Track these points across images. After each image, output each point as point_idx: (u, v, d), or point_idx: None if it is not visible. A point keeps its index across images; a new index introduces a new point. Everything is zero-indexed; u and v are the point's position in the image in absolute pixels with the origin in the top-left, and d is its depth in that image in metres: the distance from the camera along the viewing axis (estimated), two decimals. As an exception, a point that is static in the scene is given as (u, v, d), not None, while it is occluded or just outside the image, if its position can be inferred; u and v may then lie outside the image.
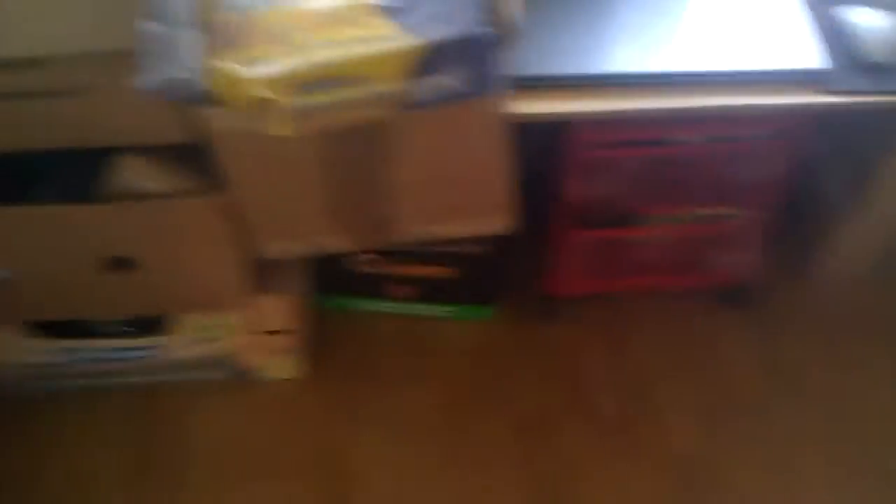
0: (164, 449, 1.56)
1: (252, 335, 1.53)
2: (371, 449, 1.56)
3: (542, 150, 1.44)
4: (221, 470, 1.53)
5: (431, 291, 1.69)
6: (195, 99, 1.02)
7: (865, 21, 1.21)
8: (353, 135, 1.12)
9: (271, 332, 1.54)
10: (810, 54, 1.20)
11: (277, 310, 1.49)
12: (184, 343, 1.53)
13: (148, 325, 1.51)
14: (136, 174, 1.24)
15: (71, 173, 1.28)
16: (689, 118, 1.27)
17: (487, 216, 1.35)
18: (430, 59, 1.03)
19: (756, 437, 1.58)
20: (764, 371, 1.67)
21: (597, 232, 1.59)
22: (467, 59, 1.04)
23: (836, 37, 1.23)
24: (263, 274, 1.43)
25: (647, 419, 1.61)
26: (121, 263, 1.33)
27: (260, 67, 1.01)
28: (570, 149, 1.39)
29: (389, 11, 1.06)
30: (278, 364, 1.62)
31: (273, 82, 1.00)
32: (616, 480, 1.53)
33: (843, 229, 1.68)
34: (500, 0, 1.07)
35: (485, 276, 1.67)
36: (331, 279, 1.70)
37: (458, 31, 1.03)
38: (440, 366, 1.68)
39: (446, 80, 1.06)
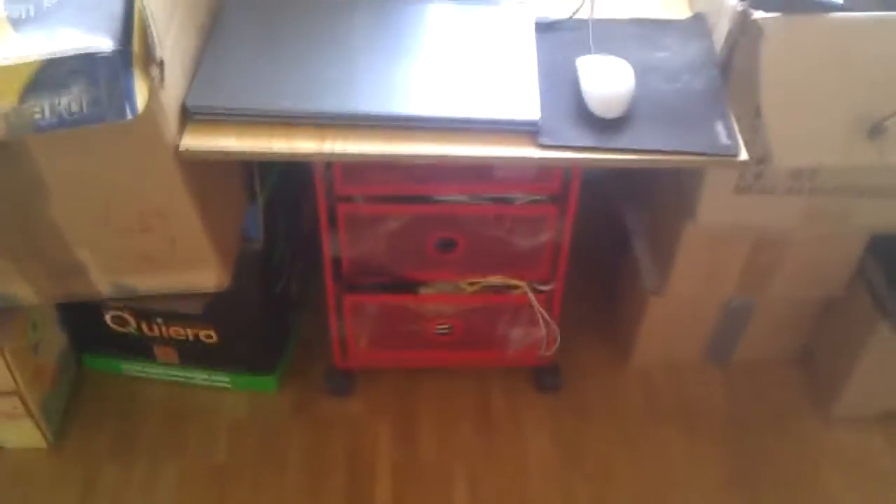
0: None
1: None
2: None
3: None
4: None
5: (194, 355, 1.53)
6: None
7: (592, 72, 1.09)
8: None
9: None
10: (527, 105, 1.07)
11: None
12: None
13: None
14: None
15: None
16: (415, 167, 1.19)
17: (193, 270, 1.20)
18: (48, 76, 0.90)
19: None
20: (563, 458, 1.51)
21: (370, 297, 1.45)
22: (92, 79, 0.91)
23: (563, 88, 1.11)
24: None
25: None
26: None
27: None
28: (322, 202, 1.29)
29: (15, 22, 0.94)
30: (16, 431, 1.45)
31: None
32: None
33: (650, 310, 1.52)
34: (145, 19, 0.95)
35: (250, 340, 1.51)
36: (91, 338, 1.54)
37: (83, 47, 0.90)
38: (204, 440, 1.52)
39: (67, 101, 0.92)
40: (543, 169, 1.26)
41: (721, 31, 1.15)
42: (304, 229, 1.59)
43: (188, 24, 1.09)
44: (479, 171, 1.28)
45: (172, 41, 1.03)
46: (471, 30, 1.20)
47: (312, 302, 1.64)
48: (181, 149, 1.04)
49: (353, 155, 1.05)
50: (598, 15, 1.24)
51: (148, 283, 1.21)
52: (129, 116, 0.96)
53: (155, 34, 0.96)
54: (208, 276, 1.21)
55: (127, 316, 1.46)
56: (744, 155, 1.05)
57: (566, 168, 1.26)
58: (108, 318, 1.46)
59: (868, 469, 1.50)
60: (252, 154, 1.05)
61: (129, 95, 0.96)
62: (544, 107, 1.08)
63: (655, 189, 1.52)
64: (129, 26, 0.95)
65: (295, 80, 1.10)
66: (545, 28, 1.22)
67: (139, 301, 1.34)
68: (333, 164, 1.24)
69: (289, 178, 1.48)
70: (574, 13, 1.23)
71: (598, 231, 1.65)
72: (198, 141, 1.04)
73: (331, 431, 1.54)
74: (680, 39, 1.21)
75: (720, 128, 1.08)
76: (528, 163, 1.07)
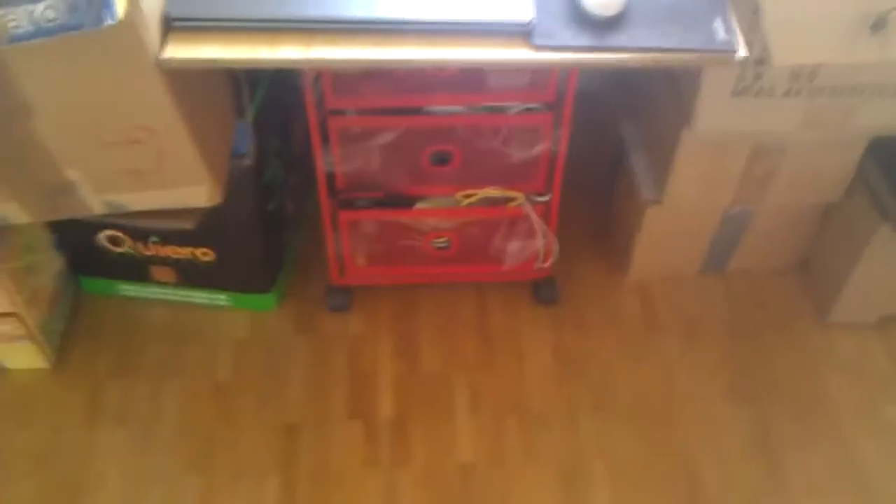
0: None
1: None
2: (110, 450, 1.40)
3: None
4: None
5: (193, 275, 1.53)
6: None
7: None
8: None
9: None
10: (520, 6, 1.04)
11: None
12: None
13: None
14: None
15: None
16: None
17: (185, 186, 1.19)
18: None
19: (550, 445, 1.42)
20: (563, 368, 1.52)
21: (365, 213, 1.44)
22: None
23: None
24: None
25: (429, 422, 1.45)
26: None
27: None
28: (314, 116, 1.27)
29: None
30: (17, 353, 1.46)
31: None
32: (379, 491, 1.36)
33: (647, 220, 1.51)
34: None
35: (247, 259, 1.50)
36: (87, 260, 1.54)
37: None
38: (204, 359, 1.53)
39: (43, 8, 0.90)
40: (538, 76, 1.23)
41: (719, -75, 1.11)
42: (297, 147, 1.57)
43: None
44: (472, 80, 1.26)
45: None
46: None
47: (308, 221, 1.63)
48: (164, 58, 1.01)
49: (340, 61, 1.03)
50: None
51: (140, 199, 1.20)
52: (109, 23, 0.93)
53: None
54: (199, 192, 1.20)
55: (121, 235, 1.45)
56: (742, 51, 1.02)
57: (561, 75, 1.23)
58: (101, 237, 1.44)
59: (867, 372, 1.51)
60: (236, 62, 1.03)
61: (107, 3, 0.93)
62: (538, 8, 1.05)
63: (652, 98, 1.49)
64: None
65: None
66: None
67: (133, 219, 1.32)
68: (322, 76, 1.21)
69: (279, 94, 1.45)
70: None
71: (594, 143, 1.63)
72: (180, 50, 1.02)
73: (332, 347, 1.54)
74: (677, -64, 1.17)
75: (718, 24, 1.05)
76: (521, 65, 1.04)
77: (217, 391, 1.48)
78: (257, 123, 1.35)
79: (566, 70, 1.20)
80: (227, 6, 1.05)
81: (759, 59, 1.14)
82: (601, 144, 1.67)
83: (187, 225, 1.33)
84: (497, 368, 1.51)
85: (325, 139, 1.31)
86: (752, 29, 1.10)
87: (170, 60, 1.01)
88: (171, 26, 1.03)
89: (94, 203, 1.19)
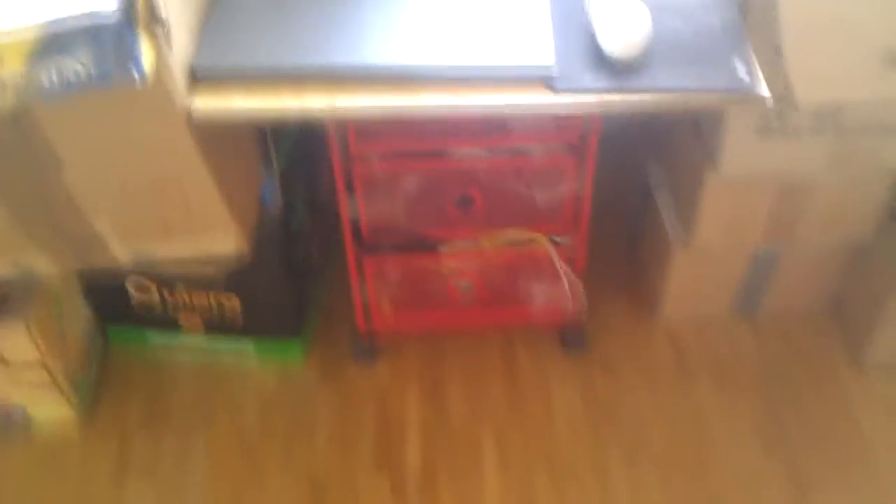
0: None
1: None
2: (139, 504, 1.38)
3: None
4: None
5: (220, 324, 1.53)
6: None
7: (606, 12, 1.06)
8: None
9: (25, 366, 1.39)
10: (540, 51, 1.05)
11: (10, 338, 1.34)
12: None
13: None
14: None
15: None
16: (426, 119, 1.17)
17: (212, 233, 1.20)
18: (53, 40, 0.89)
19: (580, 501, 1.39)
20: (593, 416, 1.49)
21: (391, 258, 1.44)
22: (97, 40, 0.91)
23: (577, 33, 1.08)
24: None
25: (456, 473, 1.43)
26: None
27: None
28: (339, 163, 1.28)
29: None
30: (44, 403, 1.46)
31: None
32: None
33: (675, 263, 1.50)
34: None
35: (273, 308, 1.51)
36: (115, 308, 1.55)
37: (86, 9, 0.90)
38: (233, 409, 1.52)
39: (73, 65, 0.92)
40: (561, 119, 1.23)
41: (738, -33, 1.11)
42: (323, 195, 1.59)
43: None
44: (495, 123, 1.26)
45: (178, 1, 1.02)
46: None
47: (334, 269, 1.64)
48: (192, 111, 1.02)
49: (364, 109, 1.04)
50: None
51: (166, 248, 1.21)
52: (136, 77, 0.94)
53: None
54: (227, 243, 1.21)
55: (148, 283, 1.46)
56: (764, 90, 1.01)
57: (584, 117, 1.23)
58: (129, 285, 1.45)
59: (905, 415, 1.47)
60: (262, 112, 1.04)
61: (134, 56, 0.95)
62: (558, 53, 1.06)
63: (676, 140, 1.49)
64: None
65: (303, 35, 1.09)
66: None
67: (161, 269, 1.33)
68: (347, 125, 1.23)
69: (305, 144, 1.47)
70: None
71: (619, 185, 1.62)
72: (208, 102, 1.03)
73: (358, 397, 1.53)
74: (695, -21, 1.17)
75: (738, 64, 1.05)
76: (543, 109, 1.04)
77: (244, 442, 1.47)
78: (284, 172, 1.37)
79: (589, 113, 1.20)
80: (252, 56, 1.06)
81: (782, 98, 1.14)
82: (627, 188, 1.67)
83: (214, 272, 1.33)
84: (525, 416, 1.49)
85: (350, 186, 1.32)
86: (774, 68, 1.10)
87: (197, 113, 1.02)
88: (198, 77, 1.04)
89: (122, 253, 1.20)
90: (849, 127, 1.22)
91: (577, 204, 1.35)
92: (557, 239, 1.43)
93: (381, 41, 1.08)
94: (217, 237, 1.21)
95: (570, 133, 1.26)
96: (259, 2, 1.14)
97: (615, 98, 1.02)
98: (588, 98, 1.02)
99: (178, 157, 1.08)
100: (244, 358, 1.59)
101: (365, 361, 1.58)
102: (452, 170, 1.32)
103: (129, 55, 0.93)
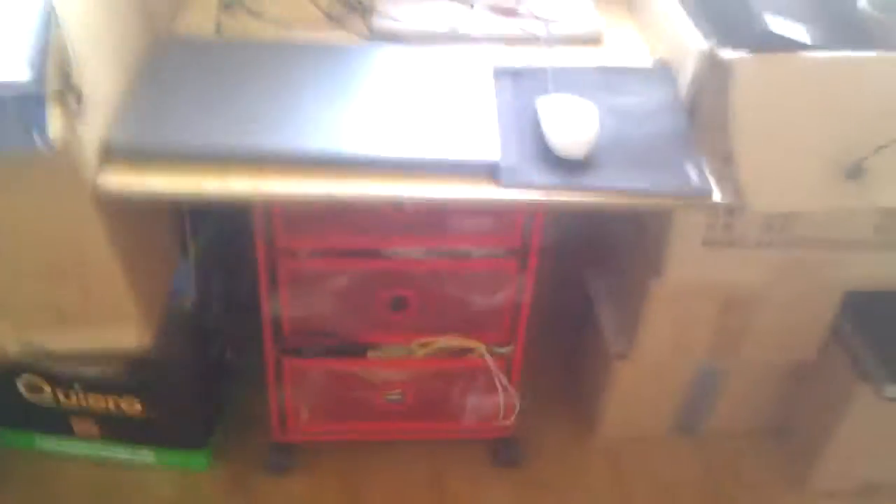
0: None
1: None
2: None
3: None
4: None
5: (116, 429, 1.38)
6: None
7: (554, 111, 1.02)
8: None
9: None
10: (486, 144, 0.99)
11: None
12: None
13: None
14: None
15: None
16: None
17: (111, 326, 1.07)
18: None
19: None
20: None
21: (314, 361, 1.32)
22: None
23: (526, 130, 1.04)
24: None
25: None
26: None
27: None
28: (263, 256, 1.18)
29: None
30: None
31: None
32: None
33: (616, 377, 1.42)
34: (63, 46, 0.85)
35: (180, 413, 1.36)
36: (2, 409, 1.38)
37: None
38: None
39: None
40: (502, 220, 1.17)
41: (687, 73, 1.09)
42: (244, 290, 1.47)
43: (115, 59, 1.01)
44: (433, 223, 1.19)
45: (97, 73, 0.93)
46: (424, 73, 1.13)
47: (252, 371, 1.51)
48: (100, 187, 0.92)
49: (294, 196, 0.96)
50: (558, 64, 1.17)
51: (60, 340, 1.08)
52: (39, 145, 0.85)
53: (73, 62, 0.86)
54: (128, 334, 1.09)
55: (41, 383, 1.31)
56: (717, 195, 0.97)
57: (526, 219, 1.17)
58: (20, 383, 1.30)
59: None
60: (181, 195, 0.95)
61: (39, 123, 0.85)
62: (504, 148, 1.00)
63: (619, 251, 1.44)
64: (45, 52, 0.85)
65: (230, 116, 1.01)
66: (504, 74, 1.15)
67: (55, 364, 1.19)
68: (274, 214, 1.14)
69: (228, 231, 1.36)
70: (531, 61, 1.16)
71: (560, 297, 1.56)
72: (120, 180, 0.94)
73: (267, 514, 1.38)
74: (644, 85, 1.15)
75: (690, 169, 1.01)
76: (486, 204, 0.98)
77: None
78: (201, 263, 1.26)
79: (531, 214, 1.14)
80: (174, 134, 0.98)
81: (732, 208, 1.10)
82: (567, 298, 1.60)
83: (112, 371, 1.20)
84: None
85: (274, 281, 1.22)
86: (723, 176, 1.06)
87: (106, 189, 0.92)
88: (113, 153, 0.94)
89: (10, 343, 1.07)
90: (797, 238, 1.20)
91: (516, 312, 1.27)
92: (495, 349, 1.34)
93: (319, 127, 1.01)
94: (118, 329, 1.09)
95: (511, 235, 1.20)
96: (186, 83, 1.05)
97: (562, 195, 0.96)
98: (533, 194, 0.96)
99: (82, 237, 0.97)
100: (143, 466, 1.42)
101: (278, 472, 1.43)
102: (387, 270, 1.24)
103: (33, 120, 0.84)
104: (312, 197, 0.94)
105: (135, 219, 1.03)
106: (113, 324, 1.07)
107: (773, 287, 1.26)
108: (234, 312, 1.45)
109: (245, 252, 1.21)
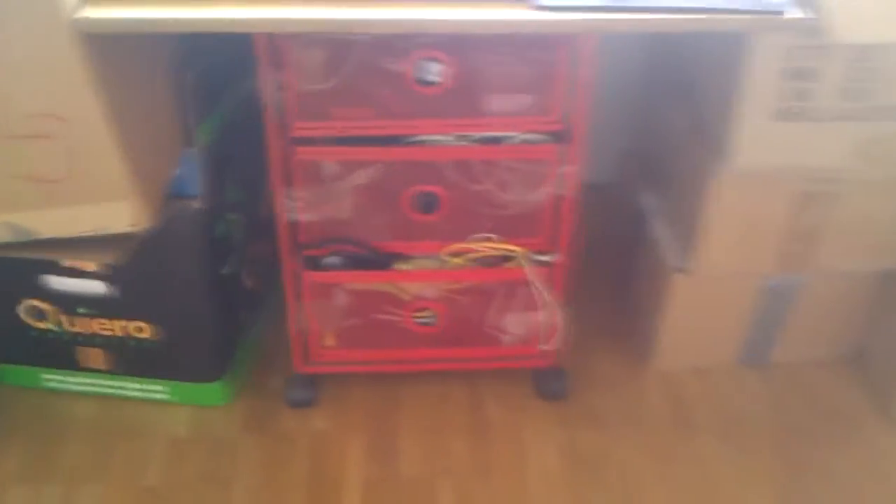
0: None
1: None
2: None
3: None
4: None
5: (127, 361, 1.26)
6: None
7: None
8: None
9: None
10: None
11: None
12: None
13: None
14: None
15: None
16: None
17: (103, 202, 0.95)
18: None
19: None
20: (574, 470, 1.23)
21: (335, 275, 1.19)
22: None
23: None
24: None
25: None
26: None
27: None
28: (274, 144, 1.06)
29: None
30: None
31: None
32: None
33: (674, 295, 1.26)
34: None
35: (192, 338, 1.24)
36: (7, 342, 1.27)
37: None
38: (132, 462, 1.24)
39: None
40: (541, 97, 1.02)
41: None
42: (265, 209, 1.33)
43: None
44: (465, 103, 1.04)
45: None
46: None
47: (272, 301, 1.38)
48: (79, 19, 0.81)
49: (297, 22, 0.82)
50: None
51: (48, 221, 0.96)
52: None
53: None
54: (121, 210, 0.96)
55: (44, 306, 1.19)
56: (796, 12, 0.82)
57: (567, 94, 1.02)
58: (22, 312, 1.19)
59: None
60: (168, 23, 0.82)
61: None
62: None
63: (673, 151, 1.28)
64: None
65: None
66: None
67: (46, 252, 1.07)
68: (287, 92, 1.01)
69: (247, 130, 1.21)
70: None
71: (609, 209, 1.43)
72: (101, 10, 0.81)
73: (289, 449, 1.26)
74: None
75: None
76: (521, 27, 0.83)
77: (141, 499, 1.18)
78: (212, 160, 1.13)
79: (573, 87, 0.99)
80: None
81: (814, 32, 0.93)
82: (619, 214, 1.45)
83: (107, 260, 1.07)
84: (493, 474, 1.22)
85: (289, 179, 1.09)
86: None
87: (87, 21, 0.80)
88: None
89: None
90: (879, 109, 1.02)
91: (559, 214, 1.12)
92: (536, 256, 1.19)
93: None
94: (110, 206, 0.96)
95: (550, 114, 1.05)
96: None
97: (607, 16, 0.81)
98: (575, 15, 0.82)
99: (63, 84, 0.86)
100: (154, 402, 1.32)
101: (300, 407, 1.29)
102: (413, 161, 1.10)
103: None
104: (322, 23, 0.81)
105: (127, 79, 0.92)
106: (104, 202, 0.95)
107: (854, 170, 1.10)
108: (253, 230, 1.32)
109: (260, 156, 1.08)
